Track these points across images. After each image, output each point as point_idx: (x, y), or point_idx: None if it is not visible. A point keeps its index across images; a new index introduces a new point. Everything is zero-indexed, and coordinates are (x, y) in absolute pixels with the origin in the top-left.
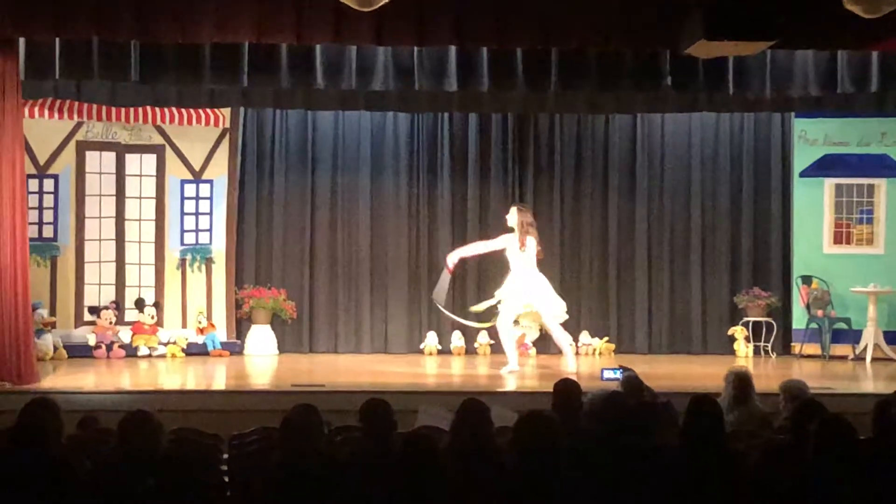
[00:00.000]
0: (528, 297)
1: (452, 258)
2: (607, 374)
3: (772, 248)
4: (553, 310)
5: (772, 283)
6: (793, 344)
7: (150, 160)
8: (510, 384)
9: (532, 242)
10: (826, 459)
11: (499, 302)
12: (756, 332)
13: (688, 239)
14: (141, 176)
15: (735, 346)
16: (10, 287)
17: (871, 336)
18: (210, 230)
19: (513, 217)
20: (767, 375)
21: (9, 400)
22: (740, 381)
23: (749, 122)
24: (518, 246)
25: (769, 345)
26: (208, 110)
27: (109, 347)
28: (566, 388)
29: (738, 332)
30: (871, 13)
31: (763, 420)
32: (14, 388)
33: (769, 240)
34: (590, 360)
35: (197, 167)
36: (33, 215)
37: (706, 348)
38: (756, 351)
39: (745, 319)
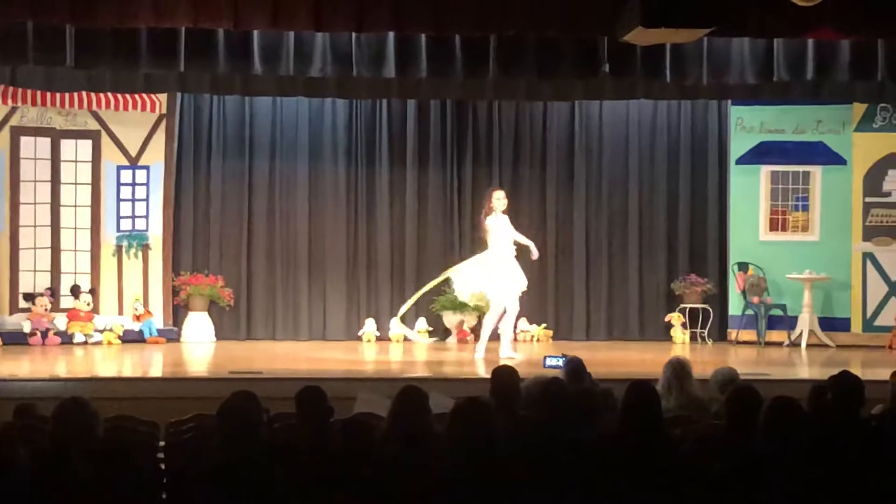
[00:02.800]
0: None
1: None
2: (550, 362)
3: (708, 234)
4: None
5: (708, 270)
6: (729, 330)
7: (86, 146)
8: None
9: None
10: (773, 439)
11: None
12: (693, 318)
13: (625, 226)
14: (76, 162)
15: (672, 332)
16: None
17: (806, 322)
18: (146, 216)
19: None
20: (704, 361)
21: None
22: (677, 368)
23: (686, 109)
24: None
25: (705, 331)
26: (145, 96)
27: (45, 334)
28: (503, 375)
29: (675, 318)
30: (807, 1)
31: (700, 406)
32: None
33: (706, 226)
34: (528, 347)
35: (133, 153)
36: None
37: (643, 335)
38: (693, 337)
39: (682, 306)
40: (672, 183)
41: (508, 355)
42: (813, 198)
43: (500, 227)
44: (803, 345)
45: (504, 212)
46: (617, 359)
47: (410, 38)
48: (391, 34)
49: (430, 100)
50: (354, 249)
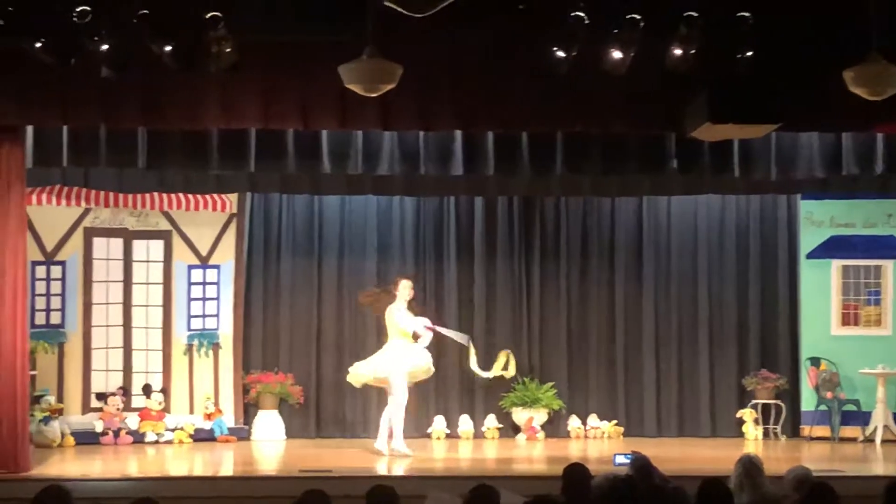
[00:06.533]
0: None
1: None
2: (619, 459)
3: (780, 329)
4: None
5: (780, 365)
6: (802, 426)
7: (158, 246)
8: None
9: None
10: None
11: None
12: (765, 414)
13: (695, 321)
14: (148, 262)
15: (744, 428)
16: (11, 375)
17: (880, 417)
18: (217, 315)
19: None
20: (777, 458)
21: (12, 488)
22: (748, 465)
23: (755, 204)
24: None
25: (778, 427)
26: (215, 196)
27: (117, 434)
28: (575, 472)
29: (747, 414)
30: (876, 95)
31: (774, 503)
32: (7, 475)
33: (777, 322)
34: (598, 444)
35: (204, 252)
36: (41, 302)
37: (715, 431)
38: (765, 433)
39: (754, 402)
40: (742, 277)
41: (395, 449)
42: (885, 292)
43: (400, 317)
44: (878, 440)
45: (409, 303)
46: (688, 455)
47: (477, 136)
48: (458, 132)
49: (497, 197)
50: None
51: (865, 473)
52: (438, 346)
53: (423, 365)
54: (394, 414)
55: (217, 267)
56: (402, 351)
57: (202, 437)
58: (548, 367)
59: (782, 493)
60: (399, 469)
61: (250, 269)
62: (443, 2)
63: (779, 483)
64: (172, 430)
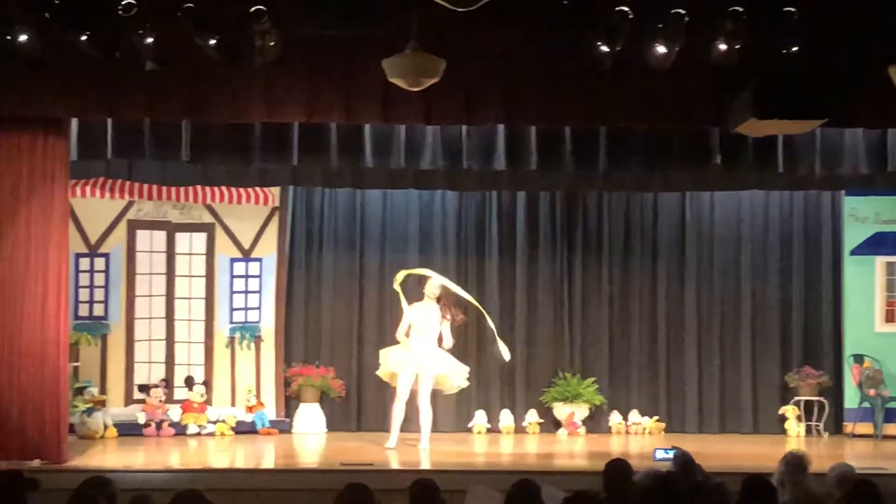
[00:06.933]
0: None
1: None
2: (659, 454)
3: (823, 326)
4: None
5: (823, 362)
6: (845, 423)
7: (200, 239)
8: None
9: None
10: None
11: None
12: (808, 411)
13: (738, 317)
14: (191, 254)
15: (786, 425)
16: (54, 367)
17: None
18: (259, 308)
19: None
20: (819, 455)
21: (55, 478)
22: (792, 462)
23: (798, 199)
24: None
25: (821, 424)
26: (258, 189)
27: (159, 425)
28: (616, 468)
29: (790, 411)
30: None
31: (817, 502)
32: (49, 466)
33: (820, 318)
34: (639, 439)
35: (246, 245)
36: (84, 294)
37: (757, 428)
38: (808, 430)
39: (797, 398)
40: (785, 274)
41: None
42: None
43: (424, 315)
44: None
45: (438, 301)
46: (730, 452)
47: (520, 131)
48: (501, 127)
49: (539, 191)
50: (464, 340)
51: None
52: (480, 342)
53: (446, 374)
54: (393, 406)
55: (259, 260)
56: (416, 348)
57: (244, 429)
58: (589, 363)
59: (825, 490)
60: (439, 463)
61: (292, 262)
62: None
63: (822, 480)
64: (214, 423)
